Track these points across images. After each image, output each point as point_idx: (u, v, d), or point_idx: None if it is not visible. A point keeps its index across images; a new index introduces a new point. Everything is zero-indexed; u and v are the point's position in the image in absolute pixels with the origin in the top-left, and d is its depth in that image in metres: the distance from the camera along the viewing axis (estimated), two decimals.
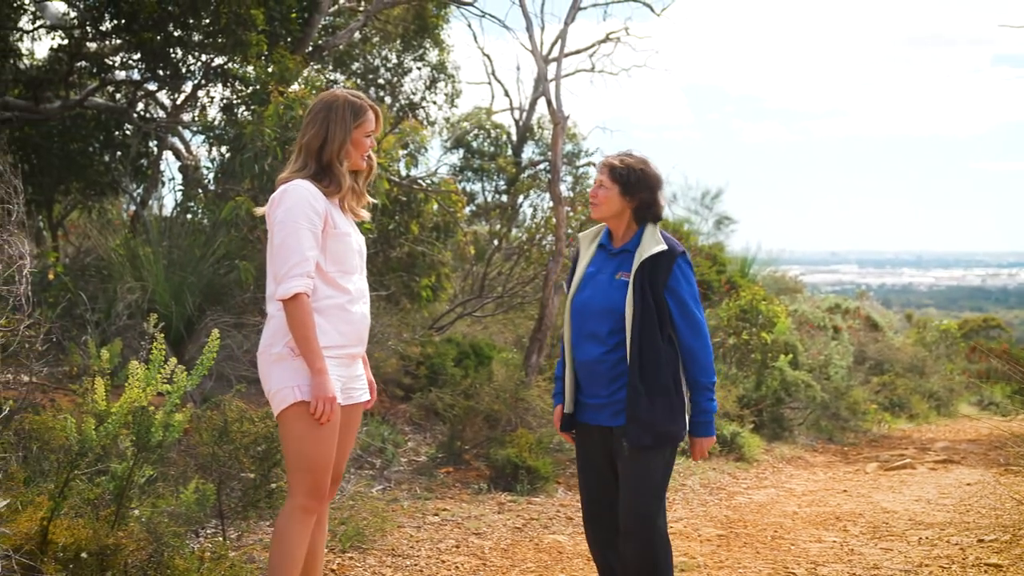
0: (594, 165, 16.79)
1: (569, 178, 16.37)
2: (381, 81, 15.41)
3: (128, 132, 11.22)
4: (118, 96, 11.41)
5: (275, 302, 4.10)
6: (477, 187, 18.26)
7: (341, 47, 13.38)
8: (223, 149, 9.79)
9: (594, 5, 13.80)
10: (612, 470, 4.49)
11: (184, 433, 5.47)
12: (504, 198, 17.12)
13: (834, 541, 7.01)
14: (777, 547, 6.84)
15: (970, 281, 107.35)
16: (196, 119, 10.95)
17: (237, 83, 10.24)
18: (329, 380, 4.04)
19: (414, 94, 15.71)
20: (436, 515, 7.20)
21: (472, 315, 12.37)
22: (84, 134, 11.10)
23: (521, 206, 15.59)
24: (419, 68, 15.55)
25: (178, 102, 11.27)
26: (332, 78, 14.25)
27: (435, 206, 10.62)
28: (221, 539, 5.84)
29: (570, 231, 11.22)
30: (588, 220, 11.63)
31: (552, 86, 10.33)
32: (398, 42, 15.01)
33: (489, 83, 19.21)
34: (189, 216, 9.74)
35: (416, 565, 6.04)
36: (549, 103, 10.21)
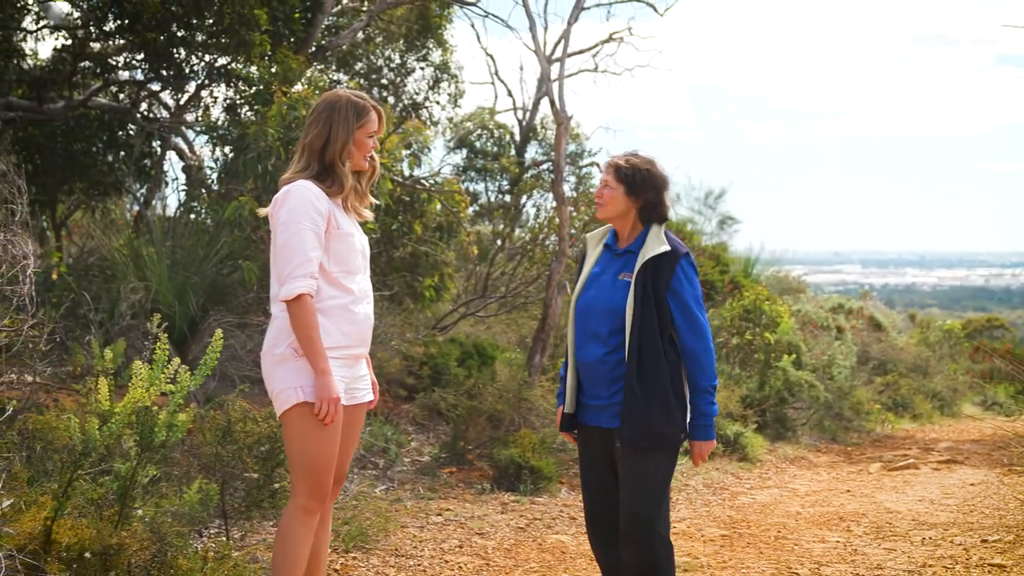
0: (597, 165, 16.79)
1: (572, 178, 16.39)
2: (384, 81, 15.41)
3: (132, 132, 11.22)
4: (122, 96, 11.42)
5: (279, 303, 4.10)
6: (480, 187, 18.27)
7: (344, 47, 13.38)
8: (226, 149, 9.79)
9: (597, 5, 13.82)
10: (612, 471, 4.47)
11: (188, 433, 5.47)
12: (507, 198, 17.13)
13: (837, 541, 7.00)
14: (780, 547, 6.84)
15: (973, 281, 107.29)
16: (199, 119, 10.95)
17: (240, 83, 10.25)
18: (333, 381, 4.05)
19: (417, 94, 15.71)
20: (439, 515, 7.20)
21: (475, 315, 12.37)
22: (88, 134, 11.12)
23: (524, 206, 15.60)
24: (422, 68, 15.56)
25: (181, 102, 11.27)
26: (335, 78, 14.25)
27: (438, 206, 10.63)
28: (225, 539, 5.84)
29: (573, 231, 11.21)
30: (591, 220, 11.62)
31: (555, 86, 10.33)
32: (401, 42, 15.01)
33: (492, 83, 19.21)
34: (192, 216, 9.74)
35: (419, 565, 6.04)
36: (552, 103, 10.21)
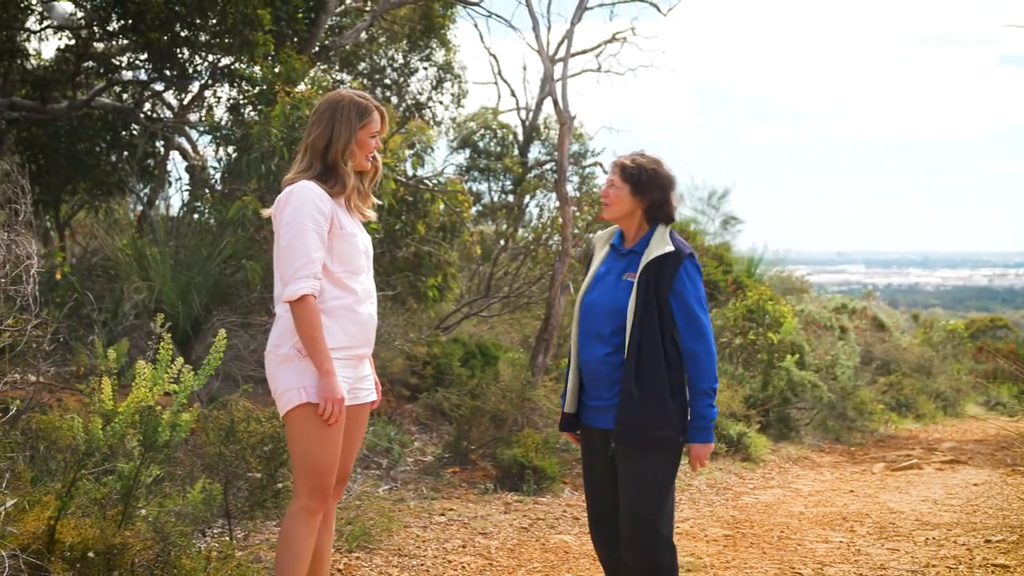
0: (601, 165, 16.80)
1: (575, 178, 16.37)
2: (387, 81, 15.42)
3: (135, 132, 11.23)
4: (125, 96, 11.43)
5: (283, 303, 4.10)
6: (483, 187, 18.27)
7: (347, 47, 13.39)
8: (230, 149, 9.80)
9: (600, 5, 13.80)
10: (614, 472, 4.45)
11: (191, 433, 5.47)
12: (510, 198, 17.12)
13: (841, 541, 7.00)
14: (783, 547, 6.83)
15: (977, 281, 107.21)
16: (203, 119, 10.95)
17: (244, 83, 10.25)
18: (337, 381, 4.05)
19: (420, 94, 15.71)
20: (442, 515, 7.20)
21: (478, 315, 12.37)
22: (91, 134, 11.12)
23: (527, 206, 15.59)
24: (425, 68, 15.56)
25: (185, 102, 11.28)
26: (338, 78, 14.26)
27: (441, 206, 10.63)
28: (228, 539, 5.85)
29: (576, 231, 11.22)
30: (594, 220, 11.62)
31: (558, 86, 10.33)
32: (404, 42, 15.01)
33: (495, 83, 19.24)
34: (196, 216, 9.75)
35: (422, 565, 6.05)
36: (555, 103, 10.21)
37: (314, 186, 4.13)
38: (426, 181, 10.40)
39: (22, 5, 10.15)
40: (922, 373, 16.34)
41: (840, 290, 30.03)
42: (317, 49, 11.46)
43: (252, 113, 9.88)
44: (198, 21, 10.09)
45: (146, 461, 4.83)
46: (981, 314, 32.41)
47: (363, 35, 13.75)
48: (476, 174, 18.04)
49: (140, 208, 11.35)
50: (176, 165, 15.46)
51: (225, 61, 10.45)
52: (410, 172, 10.47)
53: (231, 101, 10.54)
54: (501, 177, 17.98)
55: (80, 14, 10.46)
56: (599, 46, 16.08)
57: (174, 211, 10.54)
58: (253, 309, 8.97)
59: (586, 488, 4.63)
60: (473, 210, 14.61)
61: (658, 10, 13.12)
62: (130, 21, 9.99)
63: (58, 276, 8.61)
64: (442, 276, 10.86)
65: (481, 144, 18.23)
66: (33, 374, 6.39)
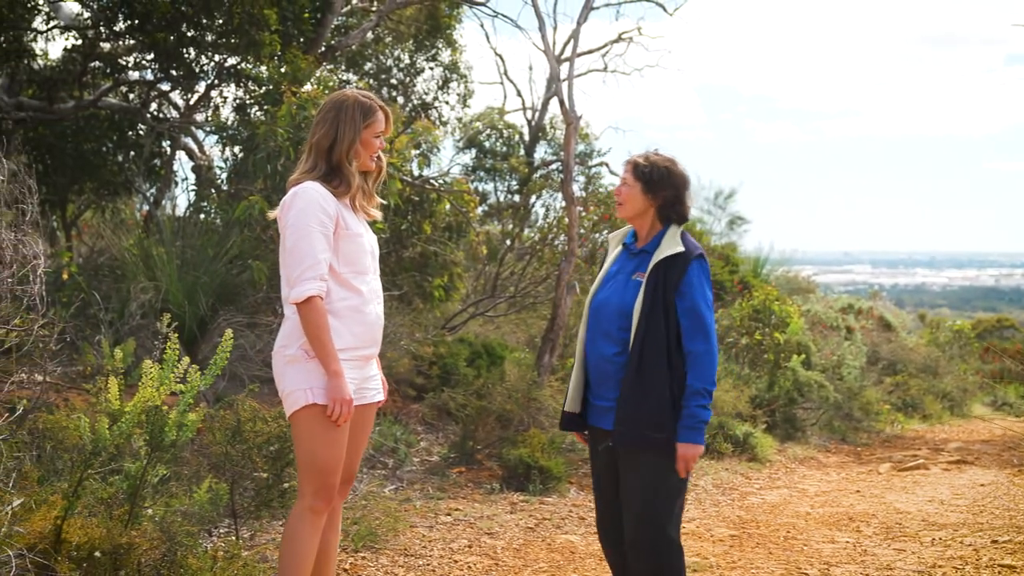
0: (607, 165, 16.80)
1: (581, 178, 16.36)
2: (393, 81, 15.43)
3: (141, 132, 11.25)
4: (131, 96, 11.45)
5: (290, 304, 4.10)
6: (489, 187, 18.26)
7: (354, 47, 13.40)
8: (236, 149, 9.81)
9: (607, 5, 13.78)
10: (619, 473, 4.45)
11: (197, 433, 5.48)
12: (516, 198, 17.12)
13: (847, 542, 6.99)
14: (790, 547, 6.83)
15: (983, 281, 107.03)
16: (209, 119, 10.97)
17: (250, 83, 10.27)
18: (345, 382, 4.05)
19: (426, 94, 15.72)
20: (448, 515, 7.20)
21: (484, 315, 12.37)
22: (98, 134, 11.15)
23: (533, 206, 15.61)
24: (431, 68, 15.56)
25: (191, 102, 11.30)
26: (345, 78, 14.27)
27: (447, 206, 10.63)
28: (234, 538, 5.85)
29: (582, 231, 11.22)
30: (600, 220, 11.63)
31: (564, 86, 10.32)
32: (410, 42, 15.02)
33: (501, 83, 19.21)
34: (202, 216, 9.76)
35: (428, 565, 6.05)
36: (561, 103, 10.21)
37: (319, 187, 4.13)
38: (432, 181, 10.40)
39: (29, 5, 10.16)
40: (928, 373, 16.31)
41: (846, 290, 30.00)
42: (323, 49, 11.48)
43: (258, 113, 9.90)
44: (204, 21, 10.10)
45: (152, 461, 4.83)
46: (988, 314, 32.33)
47: (369, 35, 13.77)
48: (482, 174, 18.04)
49: (146, 208, 11.36)
50: (182, 165, 15.50)
51: (231, 61, 10.46)
52: (416, 172, 10.47)
53: (237, 101, 10.56)
54: (507, 177, 17.97)
55: (87, 14, 10.48)
56: (605, 46, 16.07)
57: (180, 211, 10.57)
58: (259, 309, 8.98)
59: (594, 488, 4.61)
60: (479, 210, 14.60)
61: (664, 10, 13.10)
62: (136, 21, 10.01)
63: (65, 276, 8.62)
64: (448, 276, 10.86)
65: (487, 144, 18.22)
66: (40, 374, 6.40)
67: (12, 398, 5.96)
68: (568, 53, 11.32)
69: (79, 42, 10.53)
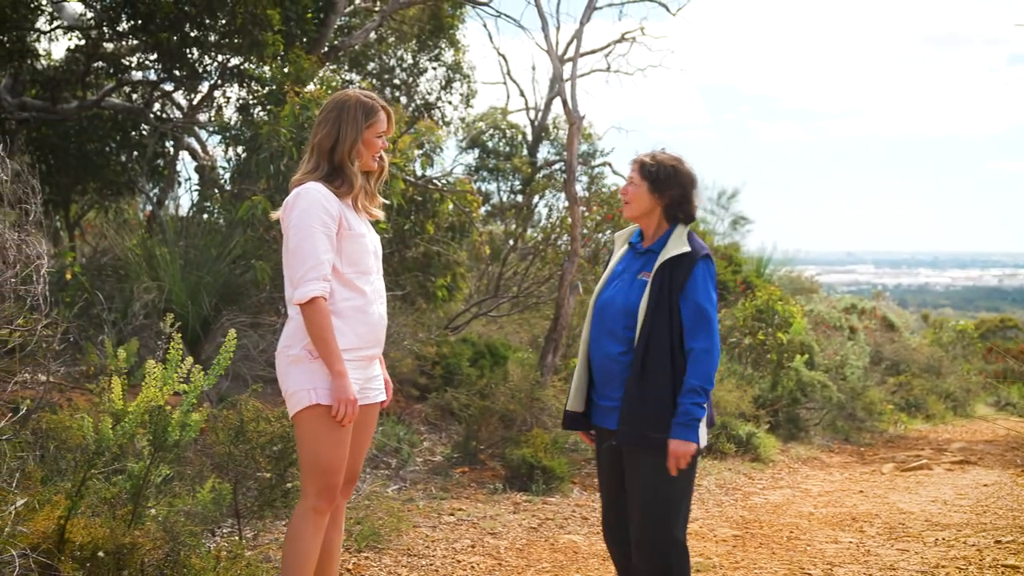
0: (610, 165, 16.82)
1: (584, 178, 16.39)
2: (397, 81, 15.44)
3: (144, 132, 11.26)
4: (135, 96, 11.46)
5: (293, 305, 4.10)
6: (492, 187, 18.30)
7: (357, 47, 13.41)
8: (239, 149, 9.82)
9: (609, 5, 13.81)
10: (623, 472, 4.44)
11: (200, 433, 5.48)
12: (519, 198, 17.15)
13: (850, 542, 6.99)
14: (793, 548, 6.82)
15: (987, 281, 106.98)
16: (212, 119, 10.98)
17: (253, 83, 10.27)
18: (349, 382, 4.04)
19: (429, 94, 15.74)
20: (451, 515, 7.20)
21: (487, 315, 12.37)
22: (101, 134, 11.16)
23: (536, 206, 15.61)
24: (434, 68, 15.59)
25: (194, 102, 11.31)
26: (348, 78, 14.28)
27: (450, 206, 10.64)
28: (237, 538, 5.85)
29: (585, 231, 11.21)
30: (603, 220, 11.62)
31: (567, 86, 10.33)
32: (414, 42, 15.04)
33: (504, 83, 19.25)
34: (205, 216, 9.77)
35: (431, 565, 6.05)
36: (564, 103, 10.21)
37: (321, 187, 4.13)
38: (435, 181, 10.40)
39: (32, 6, 10.18)
40: (932, 373, 16.31)
41: (849, 290, 29.98)
42: (326, 49, 11.48)
43: (261, 113, 9.90)
44: (207, 21, 10.11)
45: (156, 461, 4.83)
46: (991, 314, 32.31)
47: (372, 35, 13.77)
48: (485, 174, 18.07)
49: (150, 208, 11.38)
50: (186, 165, 15.48)
51: (234, 61, 10.47)
52: (419, 172, 10.47)
53: (240, 101, 10.57)
54: (510, 177, 18.00)
55: (90, 15, 10.49)
56: (608, 46, 16.09)
57: (184, 211, 10.57)
58: (263, 309, 8.98)
59: (600, 487, 4.61)
60: (482, 210, 14.63)
61: (667, 10, 13.12)
62: (140, 21, 10.02)
63: (68, 276, 8.63)
64: (451, 276, 10.87)
65: (490, 144, 18.24)
66: (43, 374, 6.40)
67: (16, 398, 5.96)
68: (571, 53, 11.33)
69: (82, 42, 10.54)
